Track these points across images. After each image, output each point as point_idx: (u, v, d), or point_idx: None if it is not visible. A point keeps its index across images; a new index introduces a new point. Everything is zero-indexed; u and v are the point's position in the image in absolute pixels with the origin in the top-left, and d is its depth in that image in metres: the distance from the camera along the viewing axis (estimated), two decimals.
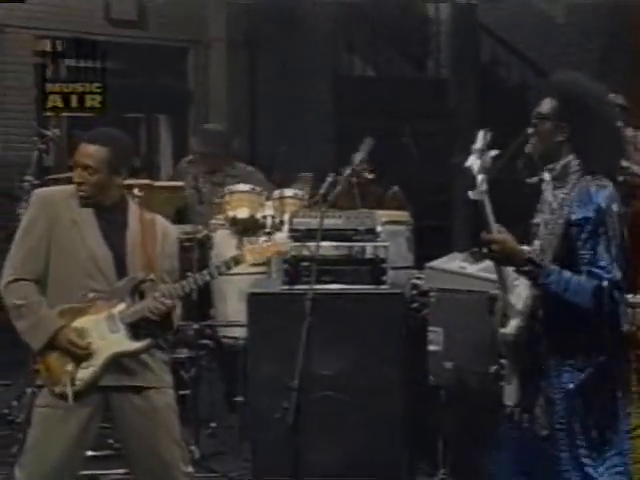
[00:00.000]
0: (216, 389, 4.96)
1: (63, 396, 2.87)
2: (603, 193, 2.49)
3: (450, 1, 7.98)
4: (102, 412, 3.01)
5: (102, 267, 2.94)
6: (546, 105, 2.58)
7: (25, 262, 2.95)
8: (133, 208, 3.09)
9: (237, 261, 3.07)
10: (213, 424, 4.69)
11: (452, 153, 7.63)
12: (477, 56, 8.29)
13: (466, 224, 7.00)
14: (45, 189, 3.16)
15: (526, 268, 2.47)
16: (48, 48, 7.91)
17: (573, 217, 2.49)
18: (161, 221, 3.13)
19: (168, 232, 3.13)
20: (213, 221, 4.52)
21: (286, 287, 3.82)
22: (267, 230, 4.31)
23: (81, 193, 2.97)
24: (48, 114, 5.85)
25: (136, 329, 2.93)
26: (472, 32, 8.10)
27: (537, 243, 2.60)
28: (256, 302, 3.88)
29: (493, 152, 2.52)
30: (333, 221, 3.76)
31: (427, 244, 4.67)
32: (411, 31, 8.33)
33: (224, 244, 4.45)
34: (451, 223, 7.11)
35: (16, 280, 2.92)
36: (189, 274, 3.16)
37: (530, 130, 2.61)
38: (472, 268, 3.60)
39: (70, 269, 2.93)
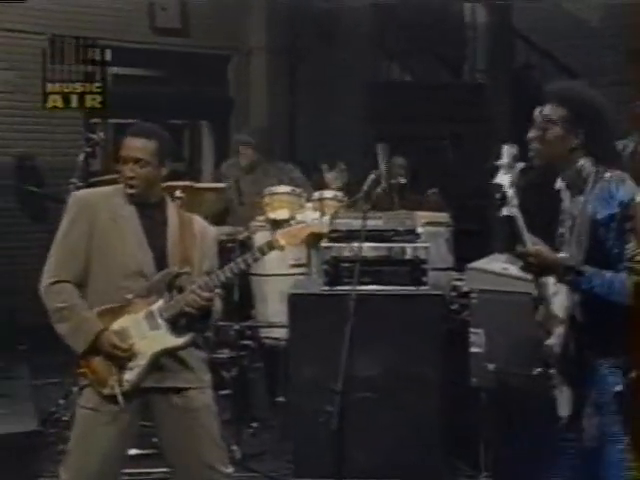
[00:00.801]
0: (257, 389, 5.01)
1: (112, 398, 2.87)
2: (623, 187, 2.49)
3: (485, 3, 7.95)
4: (143, 413, 3.02)
5: (143, 267, 2.93)
6: (554, 111, 2.56)
7: (64, 264, 2.94)
8: (172, 207, 3.10)
9: (271, 246, 3.03)
10: (254, 424, 4.73)
11: (487, 157, 7.58)
12: (512, 60, 8.26)
13: (503, 227, 6.94)
14: (83, 191, 3.17)
15: (568, 277, 2.47)
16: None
17: (598, 217, 2.49)
18: (199, 221, 3.12)
19: (206, 232, 3.12)
20: (254, 223, 4.57)
21: (326, 288, 3.85)
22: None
23: (132, 190, 2.96)
24: (95, 120, 5.98)
25: (176, 324, 2.94)
26: (507, 36, 8.08)
27: (564, 253, 2.58)
28: (297, 303, 3.91)
29: (520, 165, 2.52)
30: (373, 222, 3.78)
31: (464, 247, 4.66)
32: (447, 36, 8.32)
33: None
34: (487, 227, 7.07)
35: (56, 282, 2.91)
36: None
37: (533, 134, 2.59)
38: (514, 269, 3.58)
39: (111, 269, 2.93)
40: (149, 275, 2.94)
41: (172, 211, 3.07)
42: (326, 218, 3.58)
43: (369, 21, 8.05)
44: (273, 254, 4.39)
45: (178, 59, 8.13)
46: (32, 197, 6.76)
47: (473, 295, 3.71)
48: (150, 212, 3.02)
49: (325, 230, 3.12)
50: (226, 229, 4.57)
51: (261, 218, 4.55)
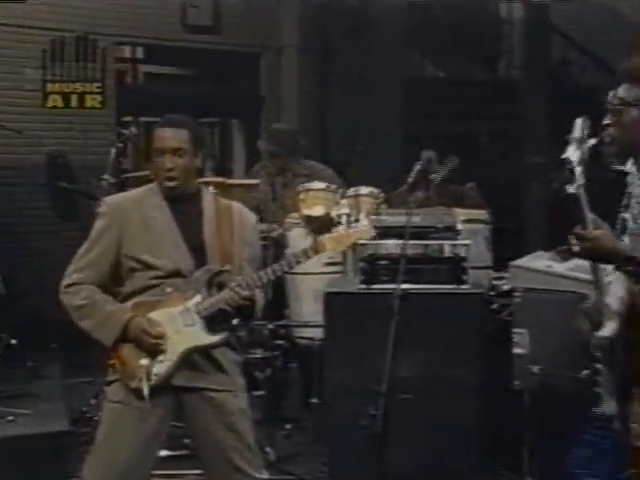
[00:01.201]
0: (290, 390, 4.93)
1: (138, 391, 2.81)
2: None
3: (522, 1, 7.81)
4: (174, 413, 2.93)
5: (180, 265, 2.85)
6: (629, 92, 2.43)
7: (87, 270, 2.88)
8: (208, 197, 3.00)
9: (315, 250, 2.92)
10: (288, 426, 4.65)
11: (523, 155, 7.46)
12: (548, 56, 8.10)
13: (539, 226, 6.83)
14: (114, 197, 3.07)
15: (627, 268, 2.34)
16: (127, 54, 8.20)
17: None
18: (238, 208, 3.03)
19: (246, 219, 3.03)
20: (288, 220, 4.48)
21: (363, 286, 3.74)
22: None
23: (172, 182, 2.87)
24: (127, 118, 5.94)
25: (212, 322, 2.86)
26: (544, 32, 7.92)
27: (626, 239, 2.46)
28: (333, 302, 3.80)
29: (592, 141, 2.38)
30: (412, 218, 3.67)
31: (500, 246, 4.54)
32: (482, 32, 8.18)
33: (299, 243, 4.39)
34: (523, 225, 6.94)
35: (75, 283, 2.87)
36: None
37: (608, 120, 2.46)
38: (559, 267, 3.47)
39: (147, 273, 2.85)
40: (187, 273, 2.87)
41: (208, 202, 2.98)
42: (363, 221, 3.41)
43: (403, 18, 7.93)
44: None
45: (209, 57, 8.10)
46: (63, 196, 6.78)
47: (517, 294, 3.58)
48: (184, 206, 2.93)
49: (371, 236, 2.98)
50: (261, 226, 4.47)
51: (295, 215, 4.46)
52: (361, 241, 2.99)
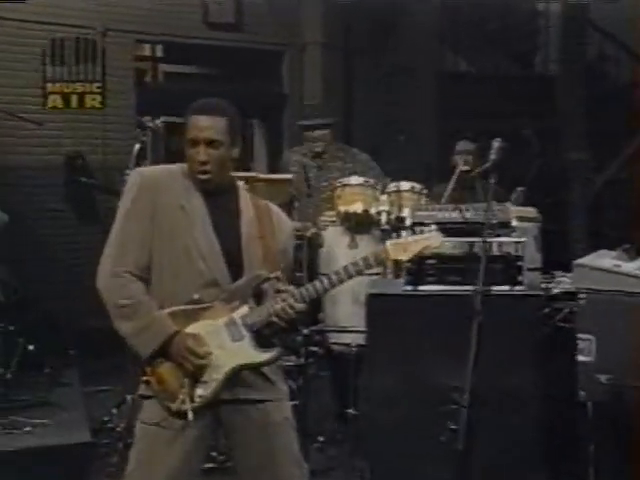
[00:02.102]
0: (324, 400, 4.65)
1: (180, 414, 2.49)
2: None
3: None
4: (214, 426, 2.63)
5: (216, 274, 2.55)
6: None
7: (128, 252, 2.54)
8: (244, 194, 2.70)
9: (379, 258, 2.64)
10: (321, 438, 4.37)
11: (561, 153, 7.18)
12: (586, 51, 7.80)
13: (581, 226, 6.55)
14: (147, 168, 2.75)
15: None
16: (147, 53, 7.98)
17: None
18: (275, 210, 2.74)
19: (283, 223, 2.74)
20: (323, 218, 4.19)
21: (409, 288, 3.45)
22: (383, 227, 3.96)
23: (205, 176, 2.57)
24: (146, 118, 5.70)
25: (260, 337, 2.56)
26: (581, 26, 7.61)
27: None
28: (376, 304, 3.51)
29: None
30: (461, 214, 3.38)
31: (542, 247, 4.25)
32: (517, 28, 7.90)
33: (335, 242, 4.13)
34: (565, 225, 6.65)
35: (118, 275, 2.52)
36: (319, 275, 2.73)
37: None
38: (628, 266, 3.17)
39: (175, 264, 2.53)
40: (218, 274, 2.55)
41: (245, 200, 2.68)
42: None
43: (433, 12, 7.67)
44: (342, 252, 4.13)
45: (230, 55, 7.87)
46: (81, 197, 6.59)
47: (581, 295, 3.27)
48: (221, 203, 2.62)
49: (440, 243, 2.69)
50: (294, 224, 4.18)
51: (331, 213, 4.17)
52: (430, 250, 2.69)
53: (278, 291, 2.59)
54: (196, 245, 2.54)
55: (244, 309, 2.55)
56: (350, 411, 4.09)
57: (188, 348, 2.49)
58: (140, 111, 7.03)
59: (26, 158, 6.51)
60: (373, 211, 3.97)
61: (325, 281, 2.58)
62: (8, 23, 6.28)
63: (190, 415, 2.48)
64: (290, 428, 2.65)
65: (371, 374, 3.50)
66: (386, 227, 3.94)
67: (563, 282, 4.05)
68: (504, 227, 3.37)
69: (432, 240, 2.69)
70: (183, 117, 2.65)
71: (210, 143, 2.55)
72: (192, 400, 2.50)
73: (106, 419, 4.54)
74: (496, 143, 3.05)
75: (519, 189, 4.21)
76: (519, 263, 3.34)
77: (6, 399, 4.47)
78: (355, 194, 3.99)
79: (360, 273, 2.62)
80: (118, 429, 4.35)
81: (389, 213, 3.96)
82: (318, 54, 7.94)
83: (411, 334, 3.37)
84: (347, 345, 4.10)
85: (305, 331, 4.03)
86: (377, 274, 4.03)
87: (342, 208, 4.00)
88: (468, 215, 3.39)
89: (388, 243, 2.65)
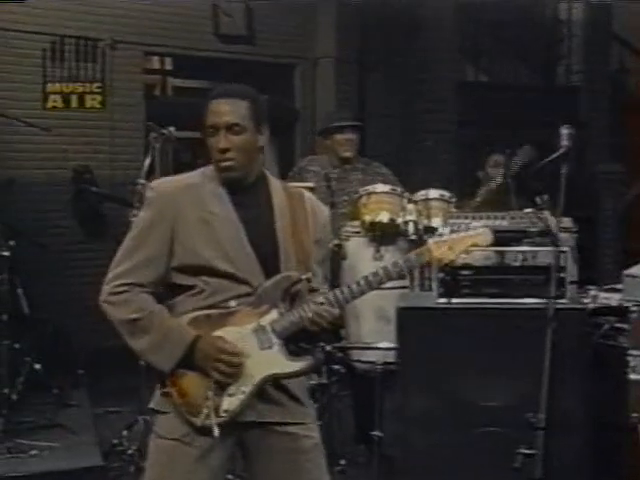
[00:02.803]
0: (344, 421, 4.41)
1: (205, 430, 2.26)
2: None
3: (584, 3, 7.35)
4: (237, 451, 2.40)
5: (248, 276, 2.32)
6: None
7: (135, 274, 2.33)
8: (275, 183, 2.45)
9: (421, 257, 2.39)
10: (342, 461, 4.13)
11: (585, 165, 6.99)
12: (609, 61, 7.62)
13: (611, 241, 6.34)
14: (164, 181, 2.48)
15: None
16: (156, 66, 7.82)
17: None
18: (309, 197, 2.50)
19: (319, 211, 2.48)
20: (346, 228, 3.97)
21: (443, 301, 3.23)
22: (410, 237, 3.74)
23: (227, 163, 2.34)
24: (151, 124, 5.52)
25: (291, 345, 2.34)
26: (604, 35, 7.44)
27: None
28: (407, 319, 3.28)
29: None
30: (497, 222, 3.18)
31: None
32: (539, 37, 7.72)
33: (359, 254, 3.91)
34: (596, 239, 6.44)
35: (124, 290, 2.30)
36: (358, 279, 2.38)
37: None
38: None
39: (206, 282, 2.32)
40: (256, 285, 2.33)
41: (277, 190, 2.44)
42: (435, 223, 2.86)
43: (452, 22, 7.50)
44: (367, 264, 3.90)
45: (241, 68, 7.71)
46: (90, 214, 6.42)
47: (633, 308, 3.05)
48: (248, 196, 2.38)
49: (491, 241, 2.42)
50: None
51: (354, 223, 3.95)
52: (477, 248, 2.44)
53: (312, 290, 2.38)
54: (224, 254, 2.32)
55: (273, 314, 2.33)
56: (376, 433, 3.85)
57: (220, 349, 2.26)
58: (146, 128, 6.89)
59: (33, 172, 6.34)
60: (400, 221, 3.75)
61: (362, 283, 2.35)
62: (10, 34, 6.13)
63: (216, 431, 2.26)
64: (321, 456, 2.42)
65: (404, 393, 3.27)
66: (413, 237, 3.73)
67: (598, 297, 3.85)
68: (545, 235, 3.14)
69: (481, 238, 2.42)
70: (193, 131, 2.44)
71: (230, 128, 2.33)
72: (218, 414, 2.27)
73: (116, 441, 4.31)
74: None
75: (544, 197, 4.01)
76: (562, 274, 3.11)
77: (11, 421, 4.26)
78: (381, 202, 3.77)
79: (401, 274, 2.40)
80: (129, 452, 4.14)
81: (416, 223, 3.74)
82: (331, 68, 7.78)
83: (446, 350, 3.16)
84: (372, 363, 3.86)
85: (328, 348, 3.81)
86: (404, 287, 3.82)
87: (367, 217, 3.78)
88: (505, 223, 3.18)
89: (431, 241, 2.40)
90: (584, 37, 7.68)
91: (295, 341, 2.36)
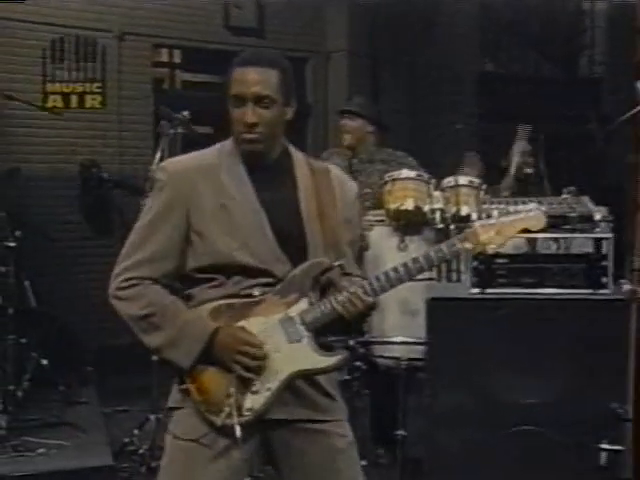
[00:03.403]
0: (363, 420, 4.23)
1: (226, 430, 2.08)
2: None
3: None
4: (262, 451, 2.21)
5: (270, 266, 2.13)
6: None
7: (147, 267, 2.14)
8: (299, 158, 2.25)
9: (465, 242, 2.13)
10: (364, 462, 3.93)
11: (605, 161, 6.82)
12: (632, 52, 7.42)
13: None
14: (176, 160, 2.27)
15: None
16: (165, 58, 7.68)
17: None
18: (336, 173, 2.30)
19: (348, 188, 2.29)
20: (368, 217, 3.79)
21: (477, 291, 3.04)
22: (437, 226, 3.56)
23: (253, 140, 2.13)
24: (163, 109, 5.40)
25: (319, 337, 2.14)
26: (628, 27, 7.25)
27: None
28: (438, 311, 3.09)
29: None
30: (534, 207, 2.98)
31: None
32: (561, 28, 7.54)
33: (383, 244, 3.72)
34: (620, 234, 6.25)
35: (132, 284, 2.13)
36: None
37: None
38: None
39: (224, 272, 2.14)
40: (280, 275, 2.14)
41: (301, 166, 2.23)
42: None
43: (470, 13, 7.34)
44: (391, 254, 3.72)
45: None
46: (98, 209, 6.26)
47: None
48: (271, 174, 2.18)
49: (544, 225, 2.19)
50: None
51: (377, 212, 3.77)
52: (528, 234, 2.24)
53: (345, 274, 2.19)
54: (244, 244, 2.13)
55: (302, 303, 2.12)
56: (400, 432, 3.67)
57: (244, 341, 2.06)
58: (158, 119, 6.74)
59: (39, 167, 6.20)
60: (426, 209, 3.56)
61: (401, 270, 2.13)
62: (14, 24, 5.98)
63: (238, 432, 2.07)
64: (355, 455, 2.24)
65: (433, 390, 3.09)
66: (440, 226, 3.54)
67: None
68: (586, 221, 2.96)
69: (533, 221, 2.19)
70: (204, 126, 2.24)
71: (260, 100, 2.11)
72: (240, 414, 2.08)
73: (127, 441, 4.14)
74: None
75: (571, 188, 3.84)
76: (604, 263, 2.92)
77: (17, 418, 4.09)
78: (406, 189, 3.56)
79: (442, 259, 2.17)
80: (140, 452, 3.97)
81: (443, 211, 3.55)
82: (344, 61, 7.65)
83: (479, 344, 2.97)
84: (396, 359, 3.68)
85: (351, 342, 3.62)
86: (430, 279, 3.64)
87: (392, 205, 3.59)
88: (543, 208, 2.99)
89: (478, 224, 2.15)
90: (607, 28, 7.50)
91: (325, 333, 2.17)
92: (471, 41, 7.48)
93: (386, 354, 3.78)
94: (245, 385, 2.09)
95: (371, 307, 2.13)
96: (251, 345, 2.09)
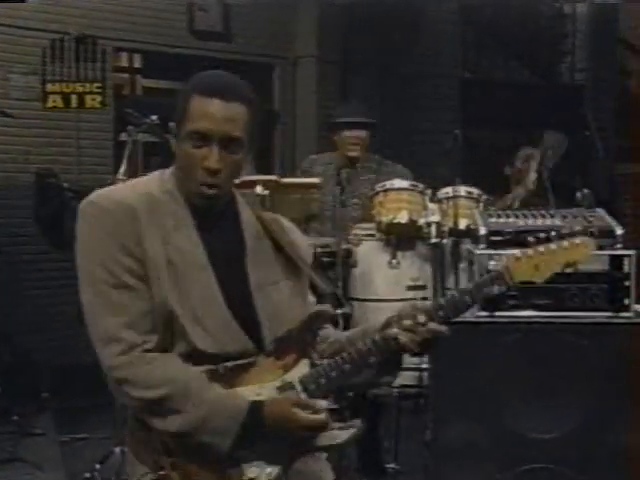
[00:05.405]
0: (352, 452, 3.92)
1: None
2: None
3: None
4: None
5: (229, 352, 1.76)
6: None
7: (141, 324, 1.73)
8: (244, 208, 1.91)
9: (496, 280, 1.76)
10: None
11: (587, 172, 6.68)
12: (615, 61, 7.30)
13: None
14: (111, 192, 1.81)
15: None
16: (124, 63, 7.36)
17: None
18: (287, 226, 2.00)
19: (286, 225, 2.00)
20: (356, 231, 3.48)
21: (485, 314, 2.74)
22: (432, 241, 3.27)
23: (212, 191, 1.76)
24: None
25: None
26: (611, 32, 7.11)
27: None
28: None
29: None
30: (549, 221, 2.72)
31: None
32: (539, 32, 7.37)
33: (372, 260, 3.43)
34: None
35: (135, 358, 1.72)
36: None
37: None
38: None
39: (172, 326, 1.74)
40: (237, 354, 1.75)
41: (247, 216, 1.89)
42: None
43: (448, 16, 7.13)
44: (382, 272, 3.43)
45: (216, 66, 7.23)
46: (53, 220, 5.91)
47: None
48: (218, 223, 1.82)
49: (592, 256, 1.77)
50: (325, 240, 3.46)
51: (366, 225, 3.47)
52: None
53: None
54: (193, 313, 1.74)
55: (302, 366, 1.79)
56: (391, 466, 3.38)
57: (308, 421, 1.72)
58: (118, 128, 6.41)
59: None
60: (421, 222, 3.26)
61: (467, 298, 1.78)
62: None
63: None
64: None
65: (437, 422, 2.79)
66: (436, 241, 3.25)
67: None
68: (605, 236, 2.68)
69: (581, 252, 1.76)
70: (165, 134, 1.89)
71: (227, 142, 1.75)
72: None
73: (88, 476, 3.75)
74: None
75: (585, 191, 3.57)
76: (626, 283, 2.65)
77: None
78: (400, 201, 3.27)
79: (475, 301, 1.79)
80: None
81: (440, 225, 3.26)
82: (312, 67, 7.39)
83: (488, 372, 2.69)
84: (387, 385, 3.38)
85: None
86: (424, 299, 3.35)
87: (383, 218, 3.29)
88: (558, 222, 2.72)
89: (510, 255, 1.76)
90: (589, 33, 7.33)
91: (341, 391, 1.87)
92: (449, 46, 7.29)
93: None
94: (239, 474, 1.72)
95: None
96: (318, 421, 1.76)
